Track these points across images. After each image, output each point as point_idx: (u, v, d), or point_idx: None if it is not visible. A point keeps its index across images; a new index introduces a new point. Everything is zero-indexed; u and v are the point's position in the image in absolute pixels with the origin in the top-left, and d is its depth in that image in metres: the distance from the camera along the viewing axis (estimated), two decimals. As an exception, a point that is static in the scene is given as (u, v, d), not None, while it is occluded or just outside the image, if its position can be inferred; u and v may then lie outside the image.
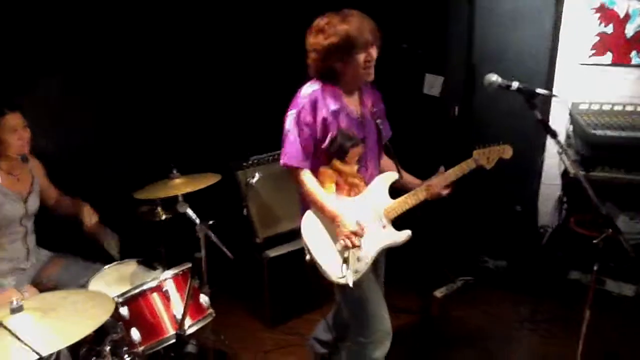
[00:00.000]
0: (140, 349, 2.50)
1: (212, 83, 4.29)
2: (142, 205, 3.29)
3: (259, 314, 3.96)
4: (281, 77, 4.18)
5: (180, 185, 3.10)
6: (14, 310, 1.93)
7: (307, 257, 2.50)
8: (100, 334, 2.52)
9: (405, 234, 2.58)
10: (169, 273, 2.62)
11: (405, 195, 2.61)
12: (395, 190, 2.66)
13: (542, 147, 4.27)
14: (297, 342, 3.63)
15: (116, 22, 3.90)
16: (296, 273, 4.00)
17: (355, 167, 2.57)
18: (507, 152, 2.68)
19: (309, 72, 2.54)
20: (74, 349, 2.57)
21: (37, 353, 1.49)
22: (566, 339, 3.48)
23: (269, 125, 4.12)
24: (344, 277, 2.44)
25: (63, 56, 3.68)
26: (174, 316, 2.53)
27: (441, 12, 4.28)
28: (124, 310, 2.52)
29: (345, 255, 2.46)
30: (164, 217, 3.22)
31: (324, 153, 2.51)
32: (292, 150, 2.46)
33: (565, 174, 4.11)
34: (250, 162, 3.83)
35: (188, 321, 2.57)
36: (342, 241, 2.41)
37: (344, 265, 2.45)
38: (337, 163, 2.52)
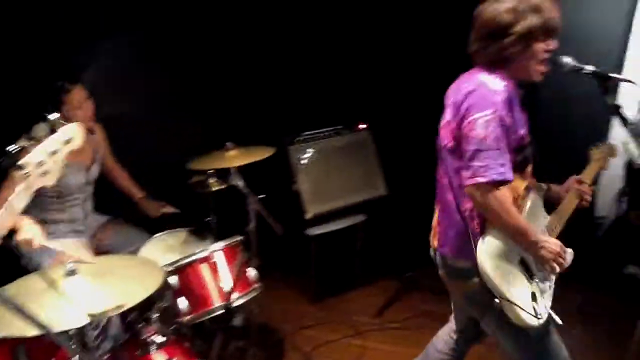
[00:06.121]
0: (187, 318, 2.52)
1: (273, 58, 4.24)
2: (195, 175, 3.30)
3: (303, 289, 3.99)
4: (336, 58, 4.15)
5: (234, 158, 3.08)
6: (68, 274, 1.94)
7: (496, 300, 1.94)
8: (148, 301, 2.55)
9: (570, 252, 2.09)
10: (219, 245, 2.62)
11: (560, 207, 2.22)
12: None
13: (605, 135, 4.09)
14: (336, 319, 3.69)
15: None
16: (342, 251, 4.04)
17: (526, 183, 2.12)
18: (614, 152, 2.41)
19: (475, 59, 2.04)
20: (123, 314, 2.61)
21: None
22: (616, 334, 3.34)
23: (323, 102, 4.12)
24: (539, 316, 1.97)
25: (121, 22, 3.70)
26: (222, 288, 2.54)
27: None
28: (173, 280, 2.53)
29: (533, 288, 2.02)
30: (215, 188, 3.23)
31: None
32: (500, 160, 1.86)
33: (629, 165, 3.93)
34: (302, 137, 3.78)
35: (235, 294, 2.57)
36: (551, 266, 1.96)
37: (534, 302, 1.98)
38: (516, 178, 1.98)
